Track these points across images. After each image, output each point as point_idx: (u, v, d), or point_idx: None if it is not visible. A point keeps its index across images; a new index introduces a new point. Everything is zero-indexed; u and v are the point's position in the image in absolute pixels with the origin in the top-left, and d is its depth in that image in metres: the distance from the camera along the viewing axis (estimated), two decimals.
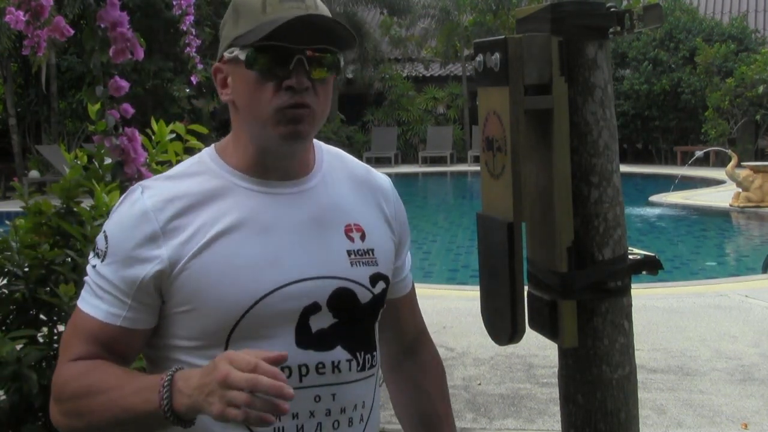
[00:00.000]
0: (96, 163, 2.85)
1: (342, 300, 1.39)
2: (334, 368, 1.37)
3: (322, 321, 1.38)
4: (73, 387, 1.32)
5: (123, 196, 1.43)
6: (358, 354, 1.41)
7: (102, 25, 2.68)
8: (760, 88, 19.55)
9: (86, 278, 1.40)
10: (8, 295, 2.58)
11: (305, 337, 1.36)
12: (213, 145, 1.47)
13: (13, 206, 7.48)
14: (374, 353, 1.46)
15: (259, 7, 1.32)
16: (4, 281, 2.59)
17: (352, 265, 1.41)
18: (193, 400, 1.19)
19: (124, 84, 2.73)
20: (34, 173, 17.29)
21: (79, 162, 2.84)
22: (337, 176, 1.49)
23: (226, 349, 1.32)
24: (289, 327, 1.35)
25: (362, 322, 1.44)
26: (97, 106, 2.75)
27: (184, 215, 1.35)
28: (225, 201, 1.37)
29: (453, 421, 1.71)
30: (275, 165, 1.40)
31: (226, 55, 1.36)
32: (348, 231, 1.43)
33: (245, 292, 1.33)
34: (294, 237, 1.38)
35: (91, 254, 1.40)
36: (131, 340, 1.36)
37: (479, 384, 4.84)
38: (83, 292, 1.39)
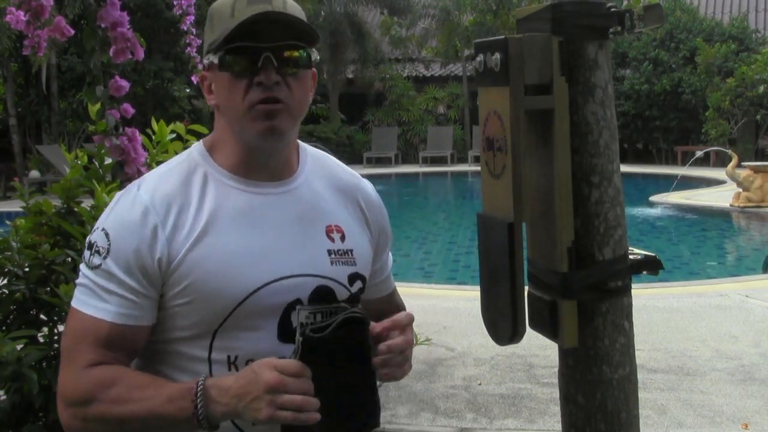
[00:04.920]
0: (96, 163, 2.85)
1: (322, 297, 1.45)
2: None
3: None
4: (98, 395, 1.34)
5: (119, 194, 1.45)
6: None
7: (102, 25, 2.69)
8: (761, 88, 19.54)
9: (83, 280, 1.40)
10: (8, 295, 2.58)
11: (286, 331, 1.42)
12: (201, 141, 1.51)
13: (14, 206, 7.48)
14: None
15: (228, 12, 1.38)
16: (4, 281, 2.59)
17: (332, 264, 1.47)
18: (231, 408, 1.28)
19: (124, 84, 2.73)
20: (34, 173, 17.29)
21: (79, 162, 2.84)
22: (320, 178, 1.54)
23: (213, 339, 1.39)
24: (273, 320, 1.41)
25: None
26: (98, 106, 2.75)
27: (180, 211, 1.39)
28: (215, 198, 1.42)
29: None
30: (260, 164, 1.45)
31: (205, 62, 1.43)
32: (329, 231, 1.49)
33: (238, 286, 1.38)
34: (280, 235, 1.43)
35: (88, 254, 1.40)
36: (138, 336, 1.40)
37: (479, 384, 4.84)
38: (81, 295, 1.40)
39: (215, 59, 1.39)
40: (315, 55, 1.43)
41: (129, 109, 2.74)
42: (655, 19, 1.43)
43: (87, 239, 1.43)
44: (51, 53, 15.88)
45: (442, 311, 6.44)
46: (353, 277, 1.50)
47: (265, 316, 1.40)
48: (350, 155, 23.34)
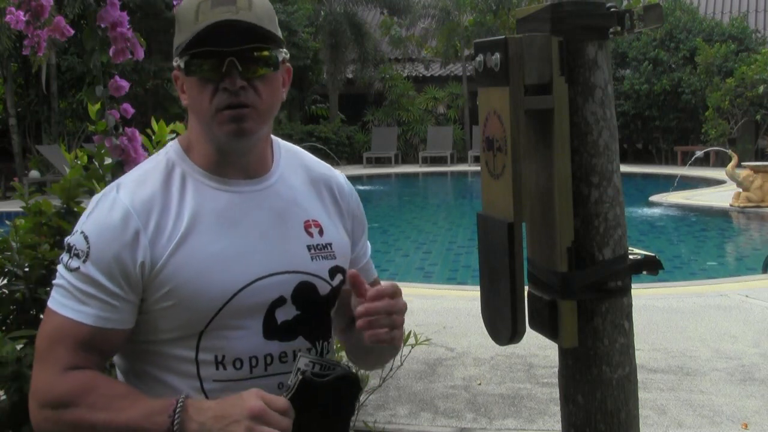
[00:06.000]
0: (96, 163, 2.85)
1: (304, 293, 1.46)
2: (296, 356, 1.41)
3: (286, 313, 1.44)
4: (73, 400, 1.33)
5: (97, 196, 1.44)
6: (317, 342, 1.49)
7: (102, 25, 2.69)
8: (761, 88, 19.54)
9: (60, 281, 1.39)
10: (8, 295, 2.58)
11: (271, 329, 1.43)
12: (177, 140, 1.51)
13: (14, 206, 7.47)
14: (330, 340, 1.55)
15: (192, 16, 1.38)
16: (4, 281, 2.59)
17: (312, 259, 1.48)
18: (207, 428, 1.27)
19: (124, 84, 2.73)
20: (34, 173, 17.29)
21: (79, 162, 2.84)
22: (294, 173, 1.54)
23: (200, 339, 1.39)
24: (257, 319, 1.42)
25: (321, 312, 1.50)
26: (98, 106, 2.75)
27: (161, 214, 1.39)
28: (194, 199, 1.42)
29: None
30: (233, 162, 1.45)
31: (174, 63, 1.45)
32: (307, 227, 1.50)
33: (221, 288, 1.38)
34: (260, 233, 1.44)
35: (66, 256, 1.39)
36: (117, 339, 1.40)
37: (479, 384, 4.84)
38: (58, 296, 1.39)
39: (182, 63, 1.41)
40: (282, 55, 1.43)
41: (129, 109, 2.74)
42: (654, 19, 1.43)
43: (65, 241, 1.42)
44: (51, 53, 15.86)
45: (442, 311, 6.44)
46: (333, 271, 1.50)
47: (249, 315, 1.41)
48: (350, 155, 23.33)
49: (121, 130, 2.71)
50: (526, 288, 1.50)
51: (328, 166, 1.63)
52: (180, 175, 1.44)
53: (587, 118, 1.44)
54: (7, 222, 2.79)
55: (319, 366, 1.33)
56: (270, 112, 1.44)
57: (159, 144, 3.08)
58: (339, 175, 1.63)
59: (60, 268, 1.40)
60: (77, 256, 1.37)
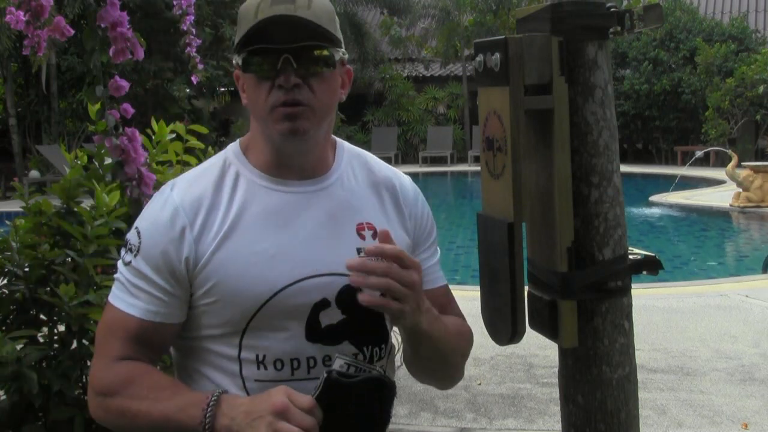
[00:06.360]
0: (96, 163, 2.85)
1: (350, 296, 1.41)
2: None
3: (331, 317, 1.42)
4: (121, 389, 1.38)
5: (156, 193, 1.49)
6: (365, 348, 1.46)
7: (102, 25, 2.68)
8: (761, 88, 19.55)
9: (118, 275, 1.45)
10: (8, 295, 2.58)
11: (315, 331, 1.41)
12: (238, 141, 1.52)
13: (13, 206, 7.47)
14: (383, 345, 1.50)
15: (252, 13, 1.37)
16: (4, 281, 2.59)
17: None
18: (236, 423, 1.28)
19: (124, 84, 2.73)
20: (34, 173, 17.30)
21: (79, 162, 2.84)
22: (354, 175, 1.53)
23: (242, 338, 1.40)
24: (300, 320, 1.41)
25: (370, 317, 1.46)
26: (97, 106, 2.75)
27: (209, 212, 1.41)
28: (244, 197, 1.43)
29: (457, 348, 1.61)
30: (289, 163, 1.45)
31: (234, 62, 1.44)
32: (360, 229, 1.47)
33: (262, 286, 1.38)
34: (307, 233, 1.43)
35: (123, 250, 1.45)
36: (167, 333, 1.43)
37: (479, 384, 4.84)
38: (116, 289, 1.44)
39: (239, 60, 1.40)
40: (340, 54, 1.42)
41: (129, 109, 2.74)
42: (654, 19, 1.43)
43: (126, 235, 1.48)
44: (51, 53, 15.86)
45: None
46: None
47: (292, 316, 1.40)
48: None
49: (121, 130, 2.70)
50: (526, 288, 1.50)
51: (394, 169, 1.60)
52: (234, 174, 1.45)
53: (587, 118, 1.44)
54: (7, 222, 2.79)
55: (354, 368, 1.30)
56: (326, 112, 1.43)
57: (159, 144, 3.08)
58: (404, 179, 1.60)
59: (119, 262, 1.46)
60: (130, 250, 1.43)
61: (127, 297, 1.41)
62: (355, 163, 1.55)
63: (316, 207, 1.45)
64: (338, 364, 1.30)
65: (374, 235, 1.47)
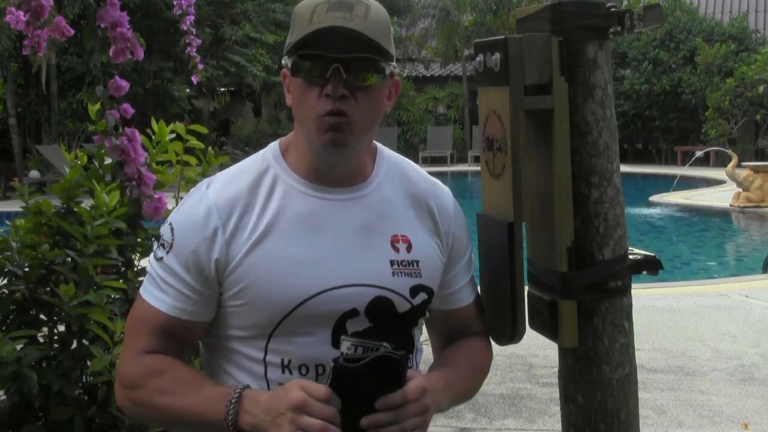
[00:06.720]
0: (96, 163, 2.85)
1: (380, 308, 1.42)
2: None
3: (358, 325, 1.42)
4: (146, 382, 1.41)
5: (192, 189, 1.49)
6: None
7: (102, 25, 2.68)
8: (760, 88, 19.55)
9: (149, 269, 1.46)
10: (8, 295, 2.57)
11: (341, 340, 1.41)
12: (278, 141, 1.51)
13: (13, 206, 7.47)
14: (410, 356, 1.48)
15: (307, 17, 1.36)
16: (4, 281, 2.59)
17: (393, 275, 1.44)
18: (259, 420, 1.29)
19: (124, 84, 2.73)
20: (34, 173, 17.28)
21: (79, 162, 2.83)
22: (393, 186, 1.50)
23: (268, 341, 1.41)
24: (327, 327, 1.40)
25: (397, 329, 1.46)
26: (97, 106, 2.75)
27: (243, 213, 1.41)
28: (279, 201, 1.42)
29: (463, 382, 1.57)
30: (327, 171, 1.43)
31: (283, 62, 1.42)
32: (394, 241, 1.46)
33: (292, 292, 1.38)
34: (341, 242, 1.42)
35: (156, 245, 1.46)
36: (194, 330, 1.44)
37: None
38: (147, 283, 1.46)
39: (289, 62, 1.39)
40: (390, 68, 1.40)
41: (129, 109, 2.74)
42: (654, 19, 1.43)
43: (160, 229, 1.48)
44: (51, 53, 15.86)
45: None
46: (416, 289, 1.45)
47: (319, 323, 1.40)
48: None
49: (121, 130, 2.70)
50: (526, 288, 1.50)
51: (436, 181, 1.56)
52: (272, 176, 1.44)
53: (587, 118, 1.44)
54: (7, 222, 2.79)
55: (362, 348, 1.31)
56: (370, 125, 1.41)
57: (159, 144, 3.08)
58: (444, 194, 1.55)
59: (150, 256, 1.47)
60: (163, 246, 1.43)
61: (157, 292, 1.43)
62: (395, 172, 1.52)
63: (352, 216, 1.44)
64: (345, 345, 1.32)
65: (408, 247, 1.46)
